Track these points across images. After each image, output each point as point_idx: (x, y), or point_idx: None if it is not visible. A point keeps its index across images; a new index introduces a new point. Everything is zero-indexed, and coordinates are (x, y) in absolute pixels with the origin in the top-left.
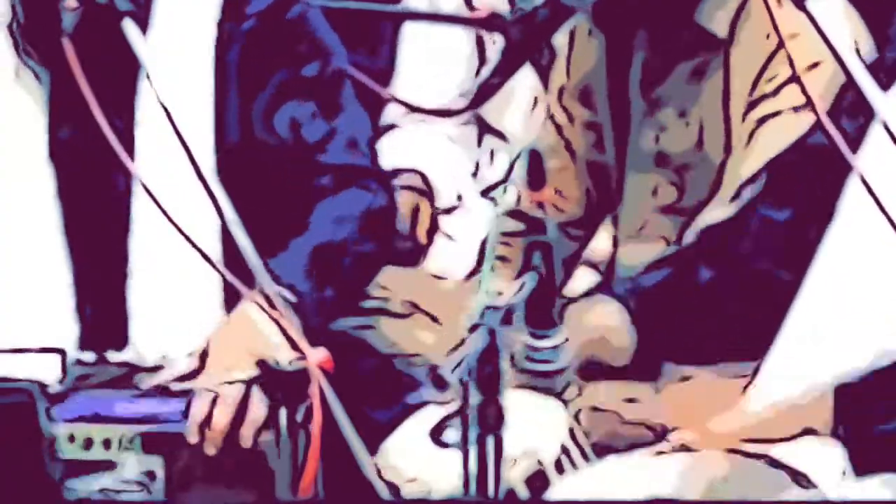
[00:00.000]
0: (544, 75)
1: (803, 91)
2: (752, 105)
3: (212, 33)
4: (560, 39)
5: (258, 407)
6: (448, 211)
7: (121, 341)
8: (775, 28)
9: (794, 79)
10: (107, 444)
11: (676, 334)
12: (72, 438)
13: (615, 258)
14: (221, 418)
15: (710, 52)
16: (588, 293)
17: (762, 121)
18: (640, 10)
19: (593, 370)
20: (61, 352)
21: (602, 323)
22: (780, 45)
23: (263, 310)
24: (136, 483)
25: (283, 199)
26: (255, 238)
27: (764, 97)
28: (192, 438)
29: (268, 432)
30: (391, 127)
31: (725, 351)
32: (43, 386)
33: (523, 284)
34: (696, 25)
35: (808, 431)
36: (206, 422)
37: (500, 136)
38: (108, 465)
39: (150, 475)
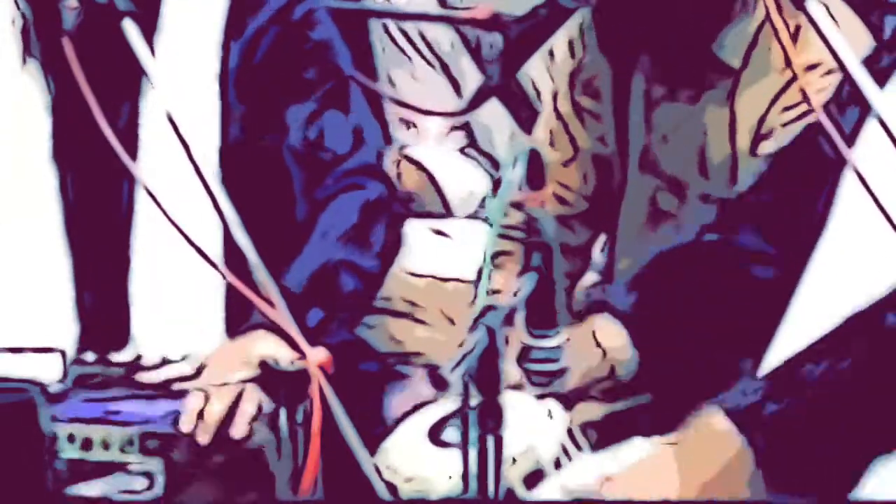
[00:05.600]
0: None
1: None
2: (761, 137)
3: (217, 35)
4: (568, 33)
5: (252, 399)
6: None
7: (121, 341)
8: (787, 62)
9: (810, 113)
10: (106, 444)
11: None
12: (71, 438)
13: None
14: (215, 408)
15: (718, 77)
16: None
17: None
18: (644, 34)
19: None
20: (61, 352)
21: (605, 344)
22: (794, 78)
23: (264, 313)
24: (136, 483)
25: (285, 201)
26: (256, 240)
27: (774, 130)
28: (186, 427)
29: (263, 429)
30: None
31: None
32: (43, 386)
33: (523, 285)
34: (706, 51)
35: None
36: (201, 412)
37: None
38: (108, 466)
39: (150, 476)
